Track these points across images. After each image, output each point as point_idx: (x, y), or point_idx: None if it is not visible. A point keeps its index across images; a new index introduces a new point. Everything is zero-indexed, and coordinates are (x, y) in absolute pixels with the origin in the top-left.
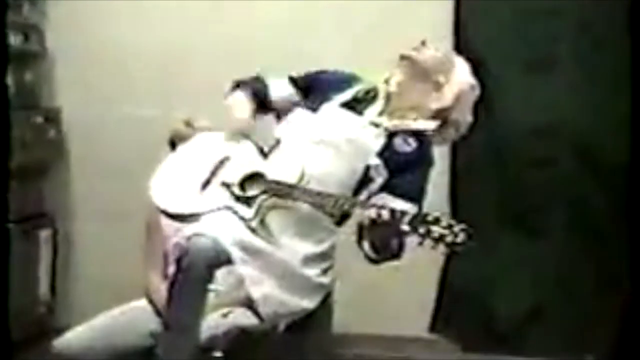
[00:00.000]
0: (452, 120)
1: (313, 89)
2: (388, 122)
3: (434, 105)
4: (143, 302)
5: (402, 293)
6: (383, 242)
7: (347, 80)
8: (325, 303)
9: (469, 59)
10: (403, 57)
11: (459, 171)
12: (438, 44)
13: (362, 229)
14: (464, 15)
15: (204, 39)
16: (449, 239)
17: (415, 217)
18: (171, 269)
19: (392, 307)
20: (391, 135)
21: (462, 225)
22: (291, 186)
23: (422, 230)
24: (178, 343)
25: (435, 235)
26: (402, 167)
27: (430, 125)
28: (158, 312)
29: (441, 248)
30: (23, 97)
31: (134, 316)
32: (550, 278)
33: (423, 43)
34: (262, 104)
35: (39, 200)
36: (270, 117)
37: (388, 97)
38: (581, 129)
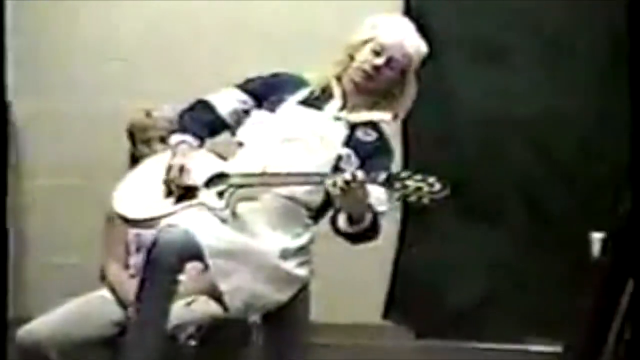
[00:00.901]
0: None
1: (266, 92)
2: (348, 115)
3: (392, 111)
4: (104, 292)
5: (355, 280)
6: (358, 209)
7: (296, 82)
8: (301, 294)
9: None
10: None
11: (412, 159)
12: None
13: (337, 210)
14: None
15: (158, 32)
16: (425, 189)
17: (389, 176)
18: (132, 259)
19: (346, 295)
20: (352, 127)
21: (434, 177)
22: (257, 174)
23: (398, 185)
24: (146, 332)
25: (412, 188)
26: (370, 154)
27: (386, 116)
28: (120, 302)
29: (422, 200)
30: None
31: (97, 306)
32: (503, 265)
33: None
34: (212, 129)
35: None
36: (225, 136)
37: (344, 94)
38: (536, 119)
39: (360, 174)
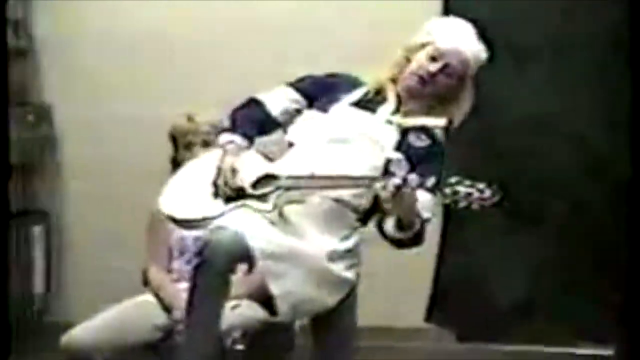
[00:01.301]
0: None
1: (319, 92)
2: (401, 119)
3: (448, 116)
4: (148, 296)
5: (397, 283)
6: (408, 214)
7: (352, 83)
8: (349, 299)
9: None
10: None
11: (450, 161)
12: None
13: (384, 214)
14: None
15: (195, 32)
16: (476, 195)
17: (438, 181)
18: (176, 264)
19: (387, 298)
20: (404, 132)
21: (484, 183)
22: (304, 177)
23: (447, 191)
24: (200, 335)
25: (462, 194)
26: (421, 159)
27: (441, 122)
28: (164, 306)
29: (472, 206)
30: (12, 94)
31: (140, 310)
32: (547, 267)
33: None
34: (263, 128)
35: (32, 196)
36: (277, 135)
37: (398, 98)
38: (576, 119)
39: (412, 178)
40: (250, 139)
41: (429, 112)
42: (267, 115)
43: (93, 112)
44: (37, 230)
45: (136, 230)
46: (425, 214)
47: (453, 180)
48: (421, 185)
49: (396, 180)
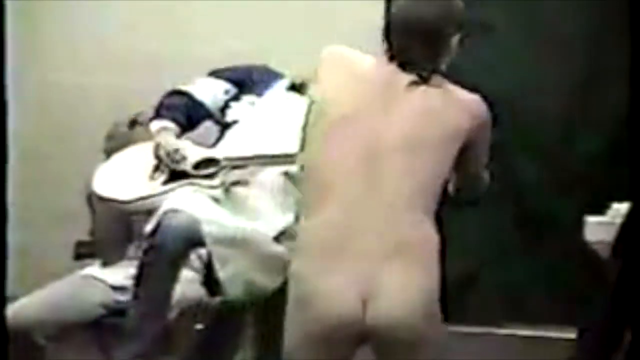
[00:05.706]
0: None
1: (247, 79)
2: None
3: None
4: (90, 271)
5: None
6: None
7: (274, 72)
8: None
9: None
10: None
11: None
12: None
13: None
14: None
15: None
16: None
17: None
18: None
19: None
20: None
21: None
22: (245, 157)
23: None
24: (149, 317)
25: None
26: None
27: None
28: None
29: None
30: None
31: (82, 287)
32: (485, 248)
33: None
34: (193, 116)
35: None
36: (207, 125)
37: None
38: (513, 96)
39: None
40: (181, 126)
41: None
42: (196, 103)
43: (29, 82)
44: None
45: (75, 205)
46: None
47: None
48: None
49: None
